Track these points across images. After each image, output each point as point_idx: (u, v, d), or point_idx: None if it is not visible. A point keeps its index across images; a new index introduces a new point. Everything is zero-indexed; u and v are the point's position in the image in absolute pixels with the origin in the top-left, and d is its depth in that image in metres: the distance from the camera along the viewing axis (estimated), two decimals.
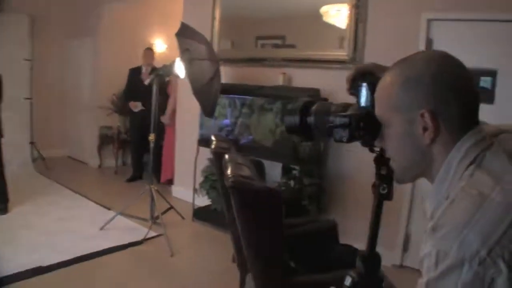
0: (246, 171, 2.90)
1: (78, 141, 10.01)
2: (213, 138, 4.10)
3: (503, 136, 1.23)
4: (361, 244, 3.38)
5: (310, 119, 1.47)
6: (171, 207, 6.05)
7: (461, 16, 4.59)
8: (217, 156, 3.64)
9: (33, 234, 5.42)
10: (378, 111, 1.29)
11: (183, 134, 7.22)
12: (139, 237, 5.35)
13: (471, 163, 1.13)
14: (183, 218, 6.19)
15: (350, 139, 1.33)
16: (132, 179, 8.25)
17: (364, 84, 1.41)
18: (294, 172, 5.44)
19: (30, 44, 9.14)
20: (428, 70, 1.18)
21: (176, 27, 5.66)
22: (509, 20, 4.34)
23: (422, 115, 1.16)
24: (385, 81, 1.26)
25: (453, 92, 1.16)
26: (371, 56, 5.13)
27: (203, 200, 6.33)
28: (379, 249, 1.62)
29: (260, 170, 4.03)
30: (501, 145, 1.17)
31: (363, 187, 5.31)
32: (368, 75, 1.44)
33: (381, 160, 1.44)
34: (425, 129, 1.17)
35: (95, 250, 5.00)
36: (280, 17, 6.14)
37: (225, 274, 4.58)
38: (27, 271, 4.42)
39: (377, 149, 1.45)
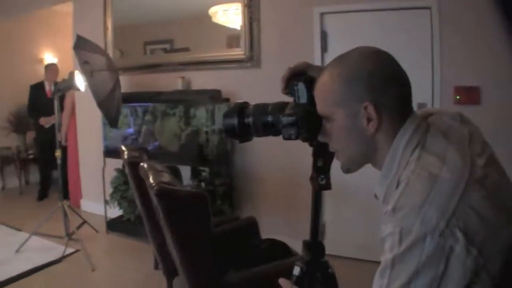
0: (167, 178, 2.94)
1: None
2: (123, 148, 4.10)
3: (432, 119, 1.37)
4: (276, 237, 3.51)
5: (248, 120, 1.52)
6: (85, 222, 5.96)
7: (352, 7, 4.79)
8: (132, 166, 3.66)
9: None
10: (319, 107, 1.37)
11: (86, 147, 7.14)
12: (57, 256, 5.26)
13: (415, 148, 1.25)
14: (97, 231, 6.13)
15: (298, 136, 1.40)
16: (41, 197, 8.07)
17: (301, 83, 1.47)
18: (204, 174, 5.50)
19: None
20: (364, 66, 1.28)
21: (65, 40, 5.60)
22: (396, 8, 4.60)
23: (365, 108, 1.26)
24: (325, 79, 1.34)
25: (389, 84, 1.28)
26: (268, 53, 5.28)
27: (114, 212, 6.28)
28: (298, 240, 1.70)
29: (176, 174, 4.07)
30: (435, 127, 1.30)
31: (270, 182, 5.48)
32: (301, 75, 1.51)
33: (318, 153, 1.53)
34: (369, 120, 1.27)
35: (13, 275, 4.85)
36: (167, 22, 6.20)
37: (149, 282, 4.60)
38: None
39: (314, 143, 1.52)
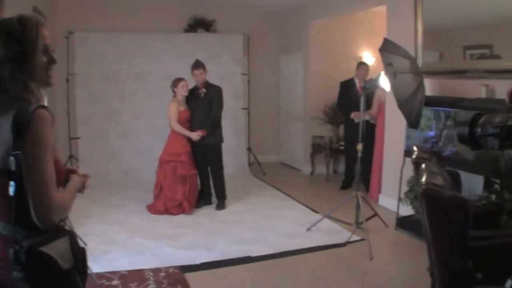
0: (439, 180, 3.00)
1: (291, 149, 10.77)
2: (414, 148, 4.21)
3: None
4: None
5: (478, 130, 1.60)
6: (376, 214, 6.25)
7: None
8: (417, 166, 3.78)
9: (244, 228, 6.22)
10: None
11: (391, 145, 7.37)
12: (342, 240, 5.72)
13: None
14: (386, 226, 6.37)
15: (501, 147, 1.46)
16: (344, 187, 8.61)
17: None
18: (496, 186, 5.34)
19: (246, 60, 10.10)
20: None
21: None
22: None
23: None
24: None
25: None
26: None
27: (407, 210, 6.40)
28: None
29: (456, 181, 4.08)
30: None
31: None
32: None
33: None
34: None
35: (299, 248, 5.51)
36: (486, 25, 5.93)
37: (419, 282, 4.66)
38: (237, 259, 5.18)
39: None
